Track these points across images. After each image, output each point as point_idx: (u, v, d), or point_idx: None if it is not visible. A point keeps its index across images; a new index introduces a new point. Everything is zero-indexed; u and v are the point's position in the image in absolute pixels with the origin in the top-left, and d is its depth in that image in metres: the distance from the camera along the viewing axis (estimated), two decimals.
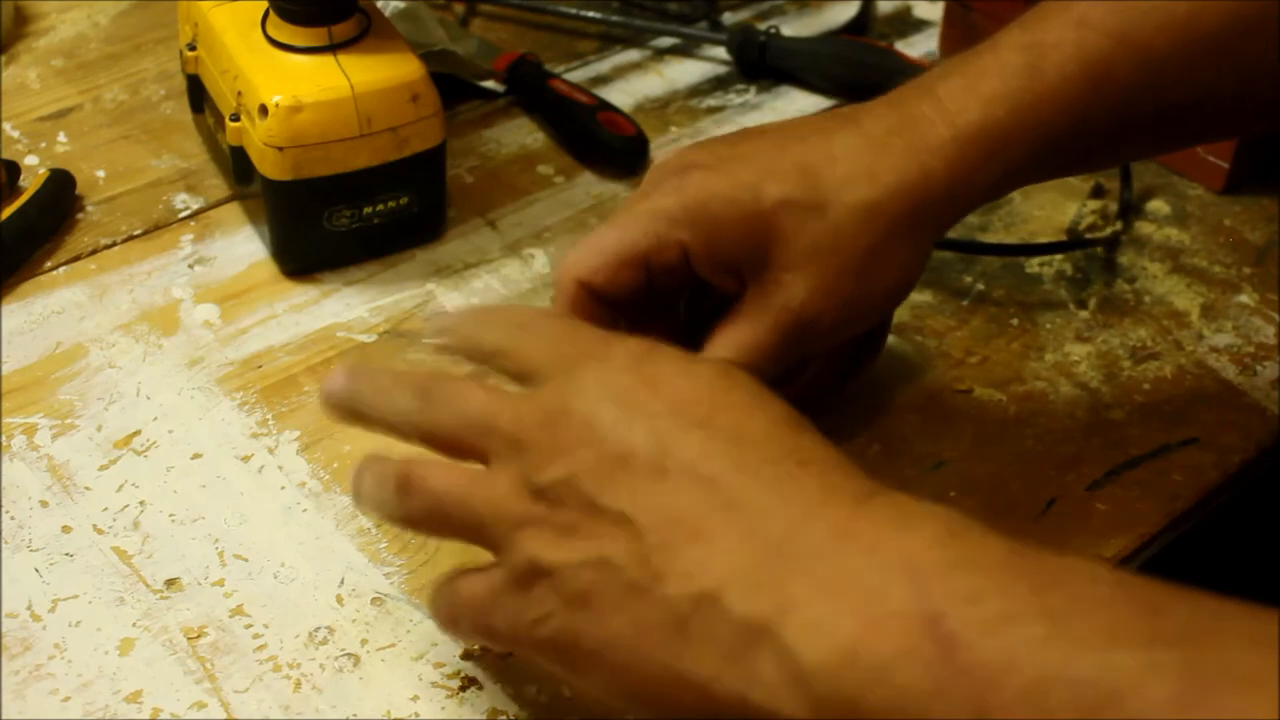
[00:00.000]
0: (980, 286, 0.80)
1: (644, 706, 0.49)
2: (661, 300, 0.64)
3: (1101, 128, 0.64)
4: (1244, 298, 0.80)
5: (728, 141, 0.65)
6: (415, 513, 0.54)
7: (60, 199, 0.81)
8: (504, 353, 0.55)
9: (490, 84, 0.92)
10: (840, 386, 0.71)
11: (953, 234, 0.83)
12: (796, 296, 0.62)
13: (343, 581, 0.64)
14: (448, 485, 0.53)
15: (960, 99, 0.62)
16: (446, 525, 0.54)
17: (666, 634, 0.47)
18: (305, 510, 0.67)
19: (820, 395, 0.69)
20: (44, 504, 0.67)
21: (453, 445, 0.54)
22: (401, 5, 0.91)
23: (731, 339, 0.62)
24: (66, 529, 0.66)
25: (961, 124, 0.62)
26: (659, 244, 0.62)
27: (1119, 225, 0.83)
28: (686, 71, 0.96)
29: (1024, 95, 0.62)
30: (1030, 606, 0.43)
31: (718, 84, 0.95)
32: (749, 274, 0.62)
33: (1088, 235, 0.83)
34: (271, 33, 0.76)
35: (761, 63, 0.94)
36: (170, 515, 0.67)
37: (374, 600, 0.64)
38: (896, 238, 0.63)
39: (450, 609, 0.55)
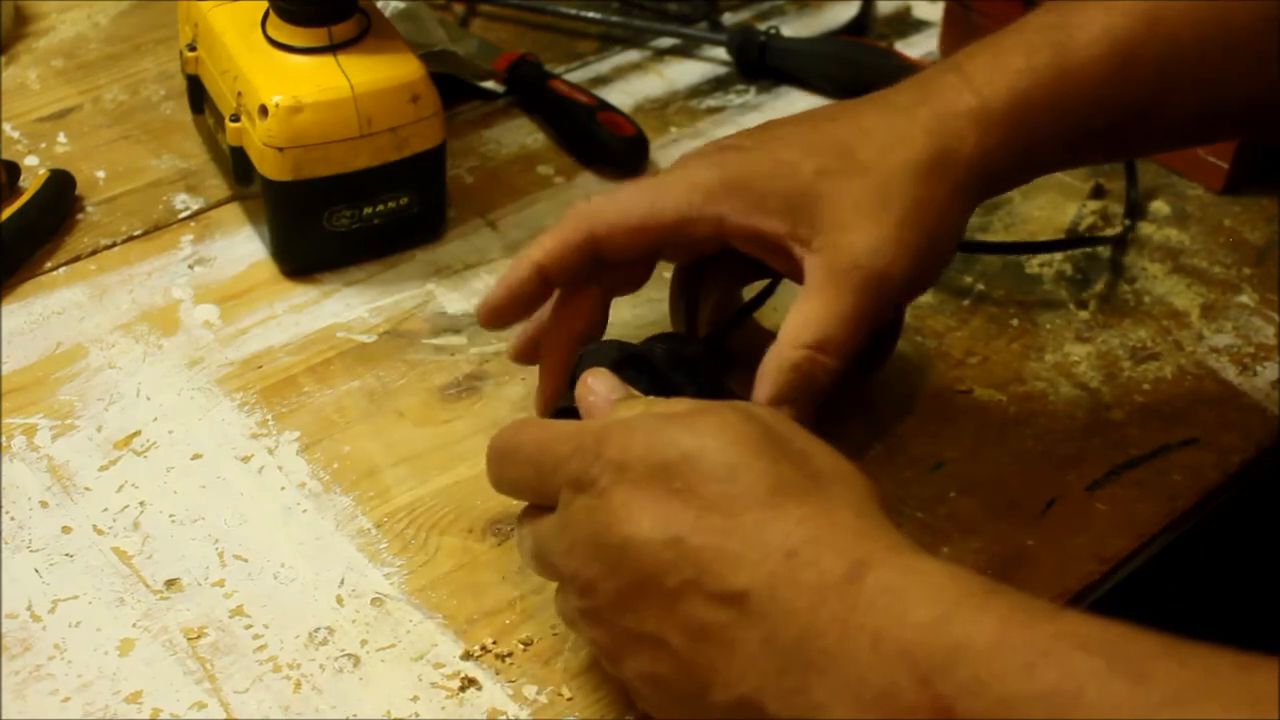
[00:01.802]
0: (980, 287, 0.80)
1: None
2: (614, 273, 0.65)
3: (1125, 111, 0.64)
4: (1244, 298, 0.80)
5: (758, 129, 0.65)
6: None
7: (60, 199, 0.81)
8: (518, 493, 0.60)
9: (490, 84, 0.92)
10: (858, 385, 0.70)
11: None
12: (862, 252, 0.60)
13: (343, 582, 0.64)
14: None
15: (986, 73, 0.62)
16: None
17: None
18: (305, 510, 0.67)
19: (838, 394, 0.69)
20: (44, 504, 0.67)
21: None
22: (401, 5, 0.91)
23: (810, 316, 0.60)
24: (66, 529, 0.66)
25: (988, 94, 0.62)
26: (695, 216, 0.61)
27: (1126, 223, 0.83)
28: (686, 72, 0.96)
29: (1049, 71, 0.62)
30: (1025, 691, 0.45)
31: (718, 84, 0.95)
32: (794, 242, 0.61)
33: (1095, 234, 0.83)
34: (271, 33, 0.76)
35: (761, 63, 0.94)
36: (170, 516, 0.67)
37: (374, 600, 0.64)
38: (940, 194, 0.62)
39: None
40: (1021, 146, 0.63)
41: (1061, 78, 0.62)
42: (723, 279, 0.68)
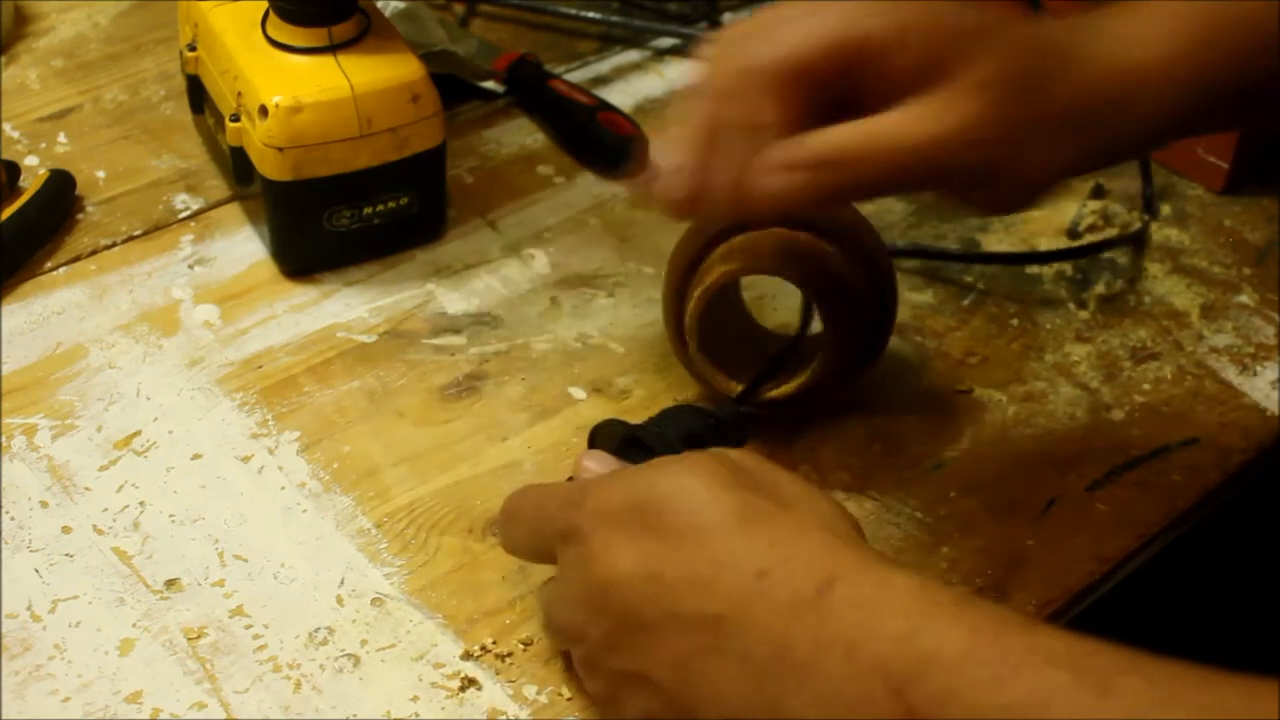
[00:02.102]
0: (980, 287, 0.80)
1: None
2: None
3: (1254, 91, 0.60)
4: (1244, 298, 0.80)
5: None
6: None
7: (60, 199, 0.81)
8: (525, 554, 0.62)
9: (490, 84, 0.92)
10: (855, 380, 0.70)
11: (958, 241, 0.83)
12: (993, 75, 0.55)
13: (343, 582, 0.64)
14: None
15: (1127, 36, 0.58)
16: None
17: None
18: (305, 510, 0.67)
19: (828, 394, 0.69)
20: (44, 504, 0.67)
21: None
22: (401, 5, 0.91)
23: (925, 114, 0.55)
24: (66, 529, 0.66)
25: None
26: (872, 27, 0.55)
27: (1145, 218, 0.83)
28: (686, 72, 0.96)
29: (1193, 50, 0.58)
30: (994, 702, 0.46)
31: None
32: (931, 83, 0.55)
33: (1096, 234, 0.83)
34: (271, 33, 0.76)
35: None
36: (170, 516, 0.67)
37: (374, 600, 0.64)
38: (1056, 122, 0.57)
39: None
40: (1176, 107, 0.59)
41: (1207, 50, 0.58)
42: (717, 283, 0.68)
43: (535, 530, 0.59)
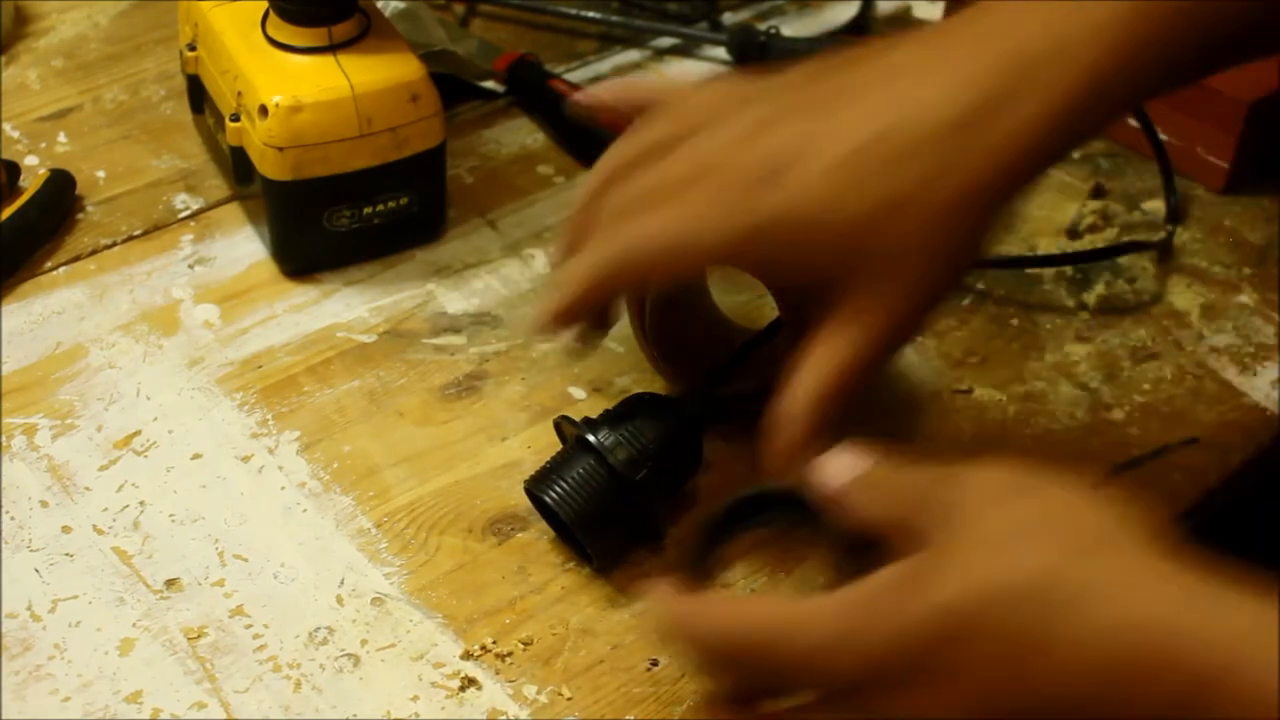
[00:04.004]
0: (980, 286, 0.80)
1: None
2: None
3: (1200, 67, 0.60)
4: (1244, 298, 0.80)
5: (809, 113, 0.58)
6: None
7: (60, 199, 0.81)
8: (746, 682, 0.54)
9: (490, 84, 0.92)
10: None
11: None
12: (897, 295, 0.57)
13: (343, 581, 0.64)
14: None
15: (1053, 66, 0.56)
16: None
17: None
18: (305, 510, 0.67)
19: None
20: (44, 504, 0.67)
21: None
22: (401, 5, 0.91)
23: (830, 356, 0.58)
24: (66, 529, 0.66)
25: (1062, 88, 0.56)
26: (739, 255, 0.58)
27: (1169, 229, 0.83)
28: (686, 72, 0.96)
29: (1124, 61, 0.56)
30: None
31: None
32: (837, 282, 0.58)
33: (1096, 234, 0.83)
34: (271, 33, 0.76)
35: (762, 63, 0.94)
36: (170, 515, 0.67)
37: (374, 600, 0.64)
38: (983, 220, 0.58)
39: None
40: (1084, 131, 0.59)
41: (1137, 60, 0.56)
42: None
43: (900, 500, 0.52)
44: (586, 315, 0.62)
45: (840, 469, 0.55)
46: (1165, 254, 0.82)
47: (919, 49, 0.59)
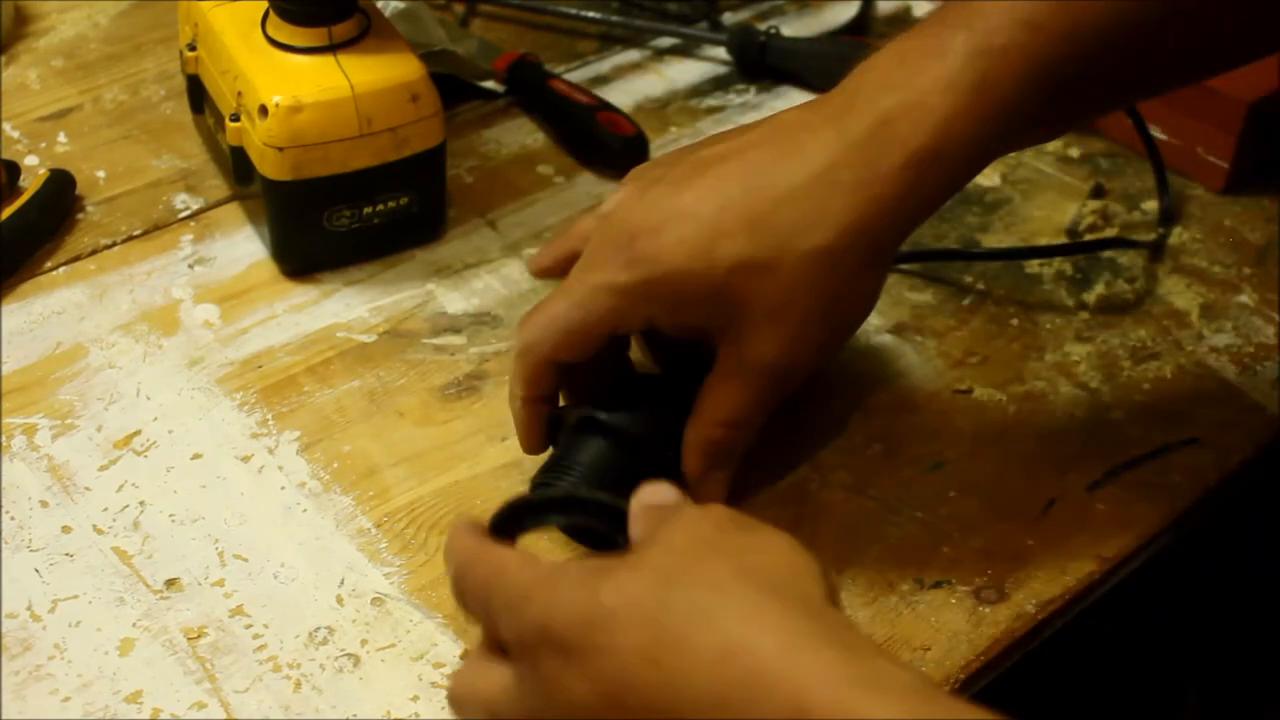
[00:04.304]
0: (980, 286, 0.80)
1: None
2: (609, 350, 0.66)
3: (1054, 119, 0.63)
4: (1244, 298, 0.80)
5: (670, 187, 0.63)
6: None
7: (60, 199, 0.81)
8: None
9: (490, 84, 0.92)
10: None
11: (958, 241, 0.83)
12: (769, 354, 0.62)
13: (343, 581, 0.64)
14: None
15: (910, 119, 0.60)
16: None
17: None
18: (305, 510, 0.67)
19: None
20: (44, 504, 0.67)
21: None
22: (401, 5, 0.91)
23: (718, 402, 0.64)
24: (66, 529, 0.66)
25: (914, 146, 0.59)
26: (625, 319, 0.63)
27: (1161, 231, 0.83)
28: (686, 71, 0.96)
29: (976, 110, 0.59)
30: None
31: (718, 84, 0.95)
32: (717, 334, 0.63)
33: (1095, 233, 0.83)
34: (271, 33, 0.76)
35: (761, 63, 0.94)
36: (170, 515, 0.67)
37: (374, 600, 0.64)
38: (854, 276, 0.62)
39: None
40: (945, 185, 0.62)
41: (989, 115, 0.59)
42: None
43: (482, 618, 0.54)
44: (544, 418, 0.67)
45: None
46: (1157, 254, 0.82)
47: (773, 124, 0.64)
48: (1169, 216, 0.84)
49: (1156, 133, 0.86)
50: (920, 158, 0.60)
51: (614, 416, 0.64)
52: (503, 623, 0.52)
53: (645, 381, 0.70)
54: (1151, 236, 0.83)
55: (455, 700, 0.55)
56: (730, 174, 0.62)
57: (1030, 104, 0.60)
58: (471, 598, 0.55)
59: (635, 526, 0.55)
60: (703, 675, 0.47)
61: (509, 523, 0.57)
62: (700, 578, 0.49)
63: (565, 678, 0.49)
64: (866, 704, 0.45)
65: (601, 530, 0.57)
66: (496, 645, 0.53)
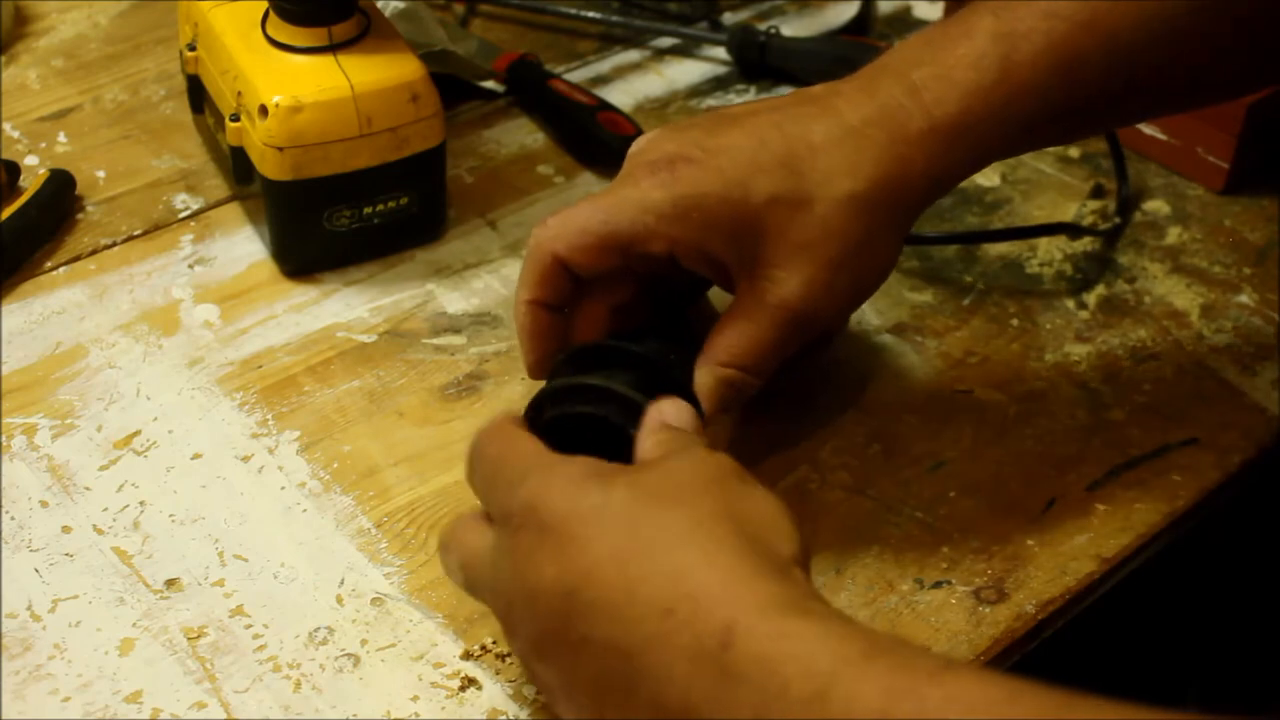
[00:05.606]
0: (980, 286, 0.80)
1: None
2: (616, 277, 0.65)
3: (1073, 110, 0.65)
4: (1244, 298, 0.80)
5: (706, 129, 0.65)
6: None
7: (60, 199, 0.81)
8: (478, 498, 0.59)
9: (490, 84, 0.92)
10: (822, 349, 0.70)
11: (952, 229, 0.83)
12: (793, 292, 0.62)
13: (343, 581, 0.64)
14: None
15: (936, 90, 0.63)
16: None
17: None
18: (305, 510, 0.67)
19: (803, 360, 0.69)
20: (44, 504, 0.67)
21: None
22: (401, 5, 0.91)
23: (733, 341, 0.63)
24: (66, 529, 0.66)
25: (939, 115, 0.63)
26: (647, 236, 0.62)
27: (1117, 220, 0.83)
28: (686, 71, 0.96)
29: (999, 88, 0.62)
30: None
31: (718, 84, 0.95)
32: (739, 270, 0.63)
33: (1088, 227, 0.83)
34: (271, 33, 0.76)
35: (761, 63, 0.94)
36: (170, 515, 0.67)
37: (374, 600, 0.64)
38: (880, 228, 0.63)
39: None
40: (972, 159, 0.65)
41: (1010, 94, 0.63)
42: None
43: (483, 491, 0.57)
44: (552, 334, 0.66)
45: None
46: (1112, 242, 0.82)
47: (800, 92, 0.66)
48: (1126, 205, 0.84)
49: (1156, 133, 0.86)
50: (947, 126, 0.63)
51: (621, 342, 0.63)
52: (498, 494, 0.55)
53: (651, 325, 0.67)
54: (1153, 234, 0.83)
55: (442, 544, 0.59)
56: (765, 123, 0.64)
57: (1054, 92, 0.63)
58: (479, 470, 0.57)
59: (645, 441, 0.57)
60: (658, 584, 0.49)
61: (539, 409, 0.60)
62: (683, 508, 0.52)
63: (537, 555, 0.52)
64: (794, 627, 0.47)
65: (615, 430, 0.59)
66: (490, 516, 0.56)
